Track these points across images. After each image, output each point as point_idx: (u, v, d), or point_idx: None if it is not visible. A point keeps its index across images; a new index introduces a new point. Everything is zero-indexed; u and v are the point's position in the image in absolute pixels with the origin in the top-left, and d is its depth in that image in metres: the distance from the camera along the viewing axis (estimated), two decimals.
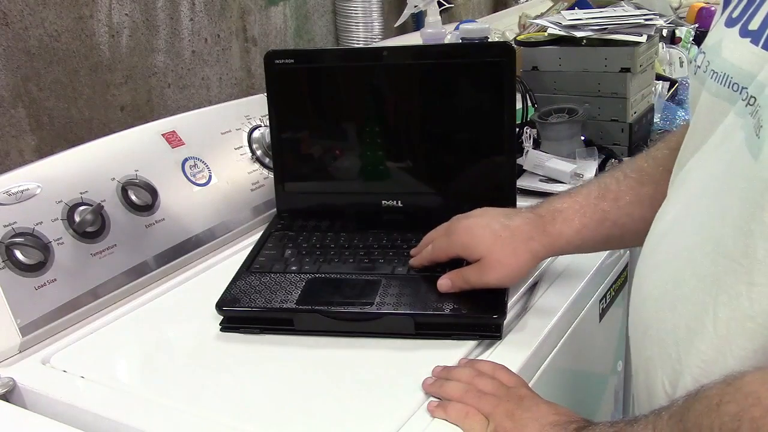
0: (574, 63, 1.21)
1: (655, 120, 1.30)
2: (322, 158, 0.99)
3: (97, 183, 0.86)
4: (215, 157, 1.00)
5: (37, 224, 0.79)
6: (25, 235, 0.77)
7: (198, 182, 0.96)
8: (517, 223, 0.73)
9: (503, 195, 0.91)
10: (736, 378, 0.44)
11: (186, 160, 0.96)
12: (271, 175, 1.02)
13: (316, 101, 1.01)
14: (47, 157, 0.87)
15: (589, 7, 1.49)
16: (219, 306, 0.77)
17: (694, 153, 0.59)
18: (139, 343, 0.79)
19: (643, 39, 1.17)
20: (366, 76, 0.98)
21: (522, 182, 1.07)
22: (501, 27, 1.80)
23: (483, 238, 0.73)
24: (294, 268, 0.82)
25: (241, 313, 0.77)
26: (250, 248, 0.89)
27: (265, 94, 0.98)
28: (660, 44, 1.50)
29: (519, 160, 1.10)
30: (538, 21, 1.40)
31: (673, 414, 0.48)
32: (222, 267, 0.91)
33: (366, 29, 1.96)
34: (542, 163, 1.10)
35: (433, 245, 0.78)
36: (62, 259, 0.80)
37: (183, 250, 0.92)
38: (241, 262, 0.85)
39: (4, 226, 0.77)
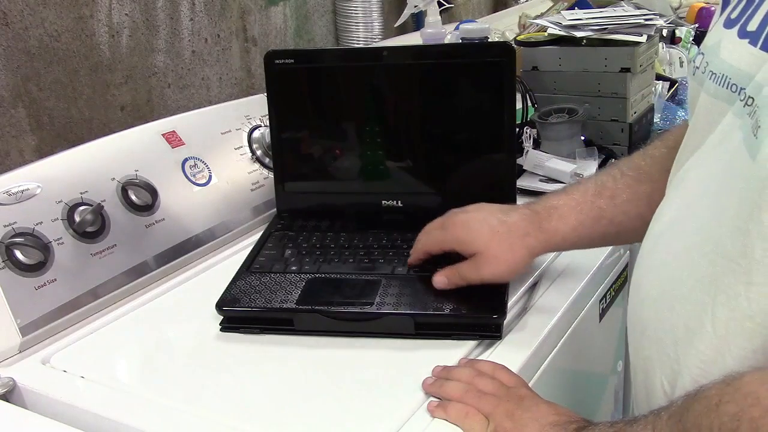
0: (574, 63, 1.21)
1: (655, 120, 1.30)
2: (322, 158, 0.99)
3: (97, 183, 0.86)
4: (215, 157, 1.00)
5: (37, 224, 0.79)
6: (25, 235, 0.77)
7: (198, 182, 0.96)
8: (514, 218, 0.73)
9: (503, 195, 0.91)
10: (735, 378, 0.44)
11: (186, 160, 0.96)
12: (271, 175, 1.02)
13: (316, 101, 1.01)
14: (47, 157, 0.87)
15: (589, 7, 1.49)
16: (219, 306, 0.77)
17: (692, 153, 0.59)
18: (139, 343, 0.79)
19: (643, 39, 1.17)
20: (366, 76, 0.98)
21: (522, 182, 1.07)
22: (501, 27, 1.80)
23: (479, 233, 0.73)
24: (294, 268, 0.82)
25: (241, 313, 0.77)
26: (250, 248, 0.89)
27: (265, 94, 0.98)
28: (660, 44, 1.50)
29: (519, 160, 1.10)
30: (538, 21, 1.40)
31: (672, 414, 0.48)
32: (222, 267, 0.91)
33: (366, 29, 1.96)
34: (542, 163, 1.10)
35: (427, 236, 0.77)
36: (62, 259, 0.80)
37: (183, 250, 0.92)
38: (241, 262, 0.85)
39: (4, 226, 0.77)
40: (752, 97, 0.49)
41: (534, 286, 0.82)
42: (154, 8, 1.50)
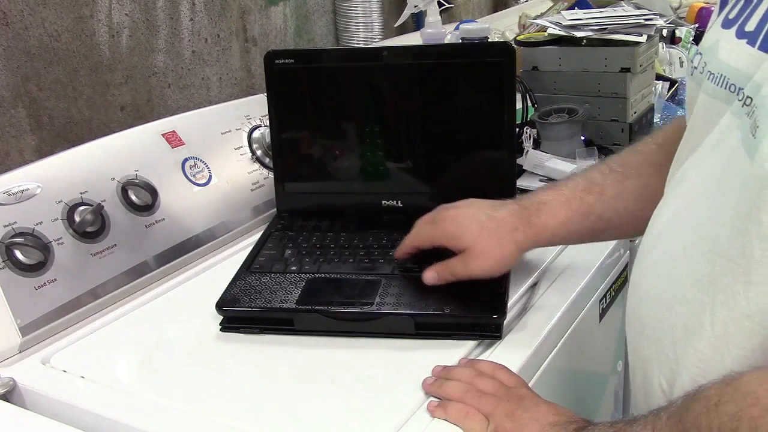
0: (574, 63, 1.21)
1: (655, 120, 1.30)
2: (322, 158, 0.99)
3: (97, 183, 0.86)
4: (215, 157, 1.00)
5: (37, 224, 0.79)
6: (25, 235, 0.77)
7: (198, 182, 0.96)
8: (503, 214, 0.73)
9: (503, 195, 0.90)
10: (734, 378, 0.44)
11: (186, 160, 0.96)
12: (271, 175, 1.02)
13: (316, 101, 1.01)
14: (47, 157, 0.87)
15: (589, 7, 1.49)
16: (219, 306, 0.77)
17: (691, 153, 0.59)
18: (139, 343, 0.79)
19: (643, 39, 1.17)
20: (366, 76, 0.98)
21: (522, 182, 1.07)
22: (501, 27, 1.80)
23: (469, 228, 0.73)
24: (294, 268, 0.82)
25: (241, 313, 0.77)
26: (250, 248, 0.89)
27: (265, 94, 0.98)
28: (660, 44, 1.50)
29: (519, 160, 1.10)
30: (538, 21, 1.40)
31: (671, 414, 0.48)
32: (222, 267, 0.91)
33: (366, 29, 1.96)
34: (542, 163, 1.10)
35: (417, 231, 0.78)
36: (62, 259, 0.80)
37: (183, 250, 0.92)
38: (241, 262, 0.85)
39: (4, 226, 0.77)
40: (750, 97, 0.49)
41: (534, 286, 0.82)
42: (154, 8, 1.50)
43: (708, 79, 0.56)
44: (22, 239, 0.77)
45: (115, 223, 0.85)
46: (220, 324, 0.77)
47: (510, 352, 0.70)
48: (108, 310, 0.83)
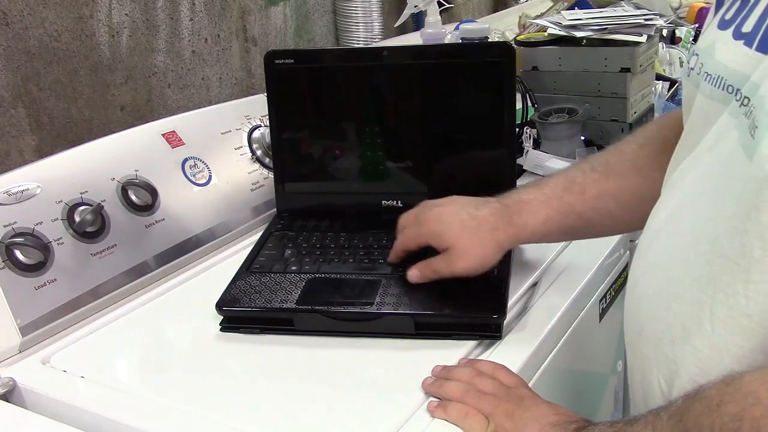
0: (574, 63, 1.21)
1: None
2: (322, 158, 0.99)
3: (97, 183, 0.86)
4: (215, 157, 1.00)
5: (37, 224, 0.79)
6: (25, 235, 0.77)
7: (198, 182, 0.96)
8: (484, 213, 0.74)
9: None
10: (735, 378, 0.44)
11: (186, 160, 0.96)
12: (271, 175, 1.02)
13: (316, 101, 1.01)
14: (47, 157, 0.87)
15: (589, 7, 1.49)
16: (219, 306, 0.77)
17: (688, 154, 0.59)
18: (139, 343, 0.79)
19: (643, 39, 1.17)
20: (366, 76, 0.98)
21: (522, 182, 1.06)
22: (501, 27, 1.80)
23: (451, 227, 0.73)
24: (294, 268, 0.82)
25: (241, 313, 0.77)
26: (250, 248, 0.89)
27: (265, 94, 0.98)
28: (660, 44, 1.50)
29: (519, 160, 1.10)
30: (538, 21, 1.40)
31: (672, 414, 0.48)
32: (222, 267, 0.91)
33: (366, 29, 1.96)
34: (542, 163, 1.10)
35: (403, 234, 0.78)
36: (62, 259, 0.80)
37: (183, 250, 0.92)
38: (241, 262, 0.85)
39: (4, 226, 0.77)
40: (748, 97, 0.50)
41: (534, 286, 0.82)
42: (154, 8, 1.50)
43: (705, 80, 0.56)
44: (22, 239, 0.77)
45: (115, 223, 0.85)
46: (220, 324, 0.77)
47: (510, 352, 0.70)
48: (108, 310, 0.83)
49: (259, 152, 1.05)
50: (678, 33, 1.72)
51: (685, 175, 0.59)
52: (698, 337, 0.51)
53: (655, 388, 0.56)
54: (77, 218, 0.82)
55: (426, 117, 0.97)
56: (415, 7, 1.53)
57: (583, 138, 1.16)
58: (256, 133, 1.05)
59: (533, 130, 1.15)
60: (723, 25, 0.56)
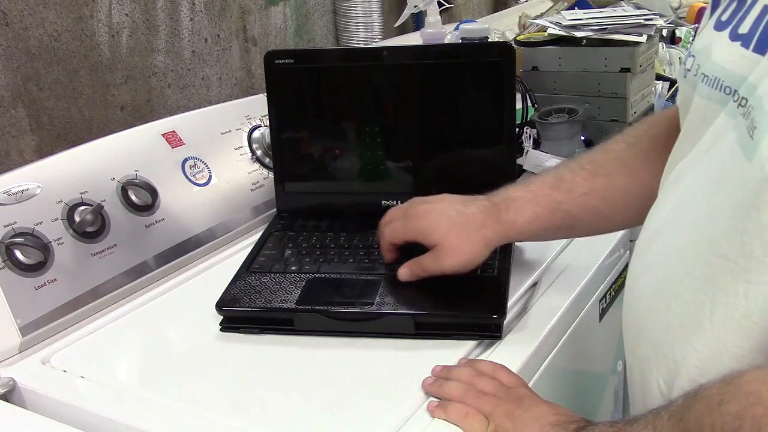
0: (574, 63, 1.21)
1: None
2: (322, 158, 0.99)
3: (97, 183, 0.86)
4: (215, 157, 1.00)
5: (37, 224, 0.79)
6: (25, 235, 0.77)
7: (198, 182, 0.96)
8: (472, 210, 0.74)
9: None
10: (736, 377, 0.44)
11: (186, 160, 0.96)
12: (271, 175, 1.02)
13: (316, 101, 1.01)
14: (47, 157, 0.87)
15: (589, 7, 1.49)
16: (219, 306, 0.77)
17: (685, 155, 0.59)
18: (139, 343, 0.79)
19: (643, 39, 1.17)
20: (366, 76, 0.98)
21: None
22: (501, 27, 1.80)
23: (439, 224, 0.74)
24: (294, 268, 0.82)
25: (241, 313, 0.77)
26: (250, 248, 0.89)
27: (265, 94, 0.98)
28: (660, 44, 1.50)
29: (519, 160, 1.10)
30: (538, 21, 1.40)
31: (673, 414, 0.48)
32: (222, 267, 0.91)
33: (366, 29, 1.96)
34: (542, 163, 1.10)
35: (389, 228, 0.78)
36: (62, 259, 0.80)
37: (183, 250, 0.92)
38: (241, 262, 0.85)
39: (4, 226, 0.77)
40: (745, 98, 0.50)
41: (534, 286, 0.82)
42: (154, 8, 1.50)
43: (702, 81, 0.56)
44: (22, 239, 0.77)
45: (115, 223, 0.85)
46: (220, 324, 0.77)
47: (510, 352, 0.70)
48: (108, 310, 0.83)
49: (259, 152, 1.05)
50: (678, 33, 1.72)
51: (682, 176, 0.59)
52: (698, 337, 0.51)
53: (654, 388, 0.56)
54: (77, 218, 0.82)
55: (426, 117, 0.97)
56: (415, 7, 1.53)
57: (583, 138, 1.16)
58: (256, 133, 1.05)
59: (533, 130, 1.15)
60: (719, 26, 0.56)
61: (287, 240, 0.89)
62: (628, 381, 0.64)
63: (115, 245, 0.85)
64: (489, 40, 1.32)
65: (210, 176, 0.98)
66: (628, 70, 1.17)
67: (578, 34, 1.20)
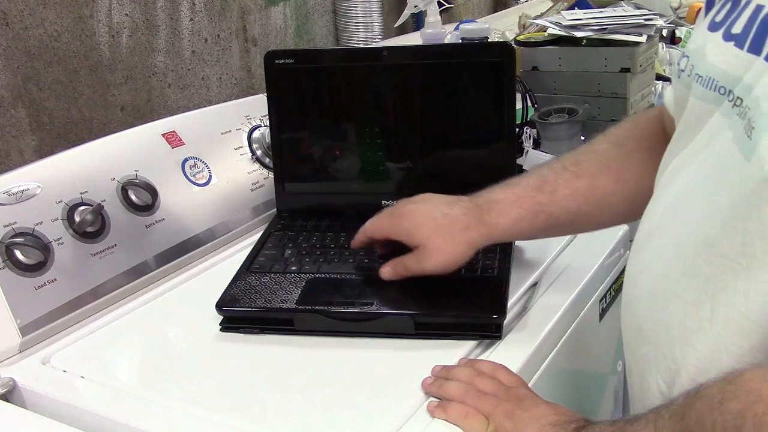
0: (574, 63, 1.21)
1: None
2: (322, 158, 0.99)
3: (97, 183, 0.86)
4: (215, 157, 1.00)
5: (37, 224, 0.79)
6: (25, 235, 0.77)
7: (198, 182, 0.96)
8: (456, 212, 0.74)
9: None
10: (737, 376, 0.44)
11: (186, 160, 0.96)
12: (271, 175, 1.02)
13: (316, 101, 1.01)
14: (47, 157, 0.87)
15: (589, 7, 1.49)
16: (219, 306, 0.77)
17: (678, 154, 0.59)
18: (139, 343, 0.79)
19: (643, 39, 1.17)
20: (366, 76, 0.98)
21: None
22: (501, 27, 1.80)
23: (423, 224, 0.74)
24: (294, 268, 0.82)
25: (241, 313, 0.77)
26: (250, 248, 0.89)
27: (265, 94, 0.98)
28: (660, 44, 1.50)
29: (519, 160, 1.10)
30: (538, 21, 1.40)
31: (674, 413, 0.48)
32: (222, 267, 0.91)
33: (366, 29, 1.96)
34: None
35: (372, 222, 0.79)
36: (62, 259, 0.80)
37: (183, 250, 0.92)
38: (241, 262, 0.85)
39: (4, 226, 0.77)
40: (741, 98, 0.50)
41: (534, 286, 0.82)
42: (154, 8, 1.50)
43: (696, 81, 0.56)
44: (22, 239, 0.77)
45: (115, 223, 0.85)
46: (220, 324, 0.77)
47: (510, 352, 0.70)
48: (108, 310, 0.83)
49: (259, 152, 1.05)
50: (678, 33, 1.72)
51: (677, 175, 0.59)
52: (698, 337, 0.51)
53: (654, 388, 0.56)
54: (77, 218, 0.82)
55: (426, 117, 0.97)
56: (415, 7, 1.53)
57: (583, 138, 1.16)
58: (256, 133, 1.05)
59: (533, 130, 1.15)
60: (713, 27, 0.56)
61: (287, 240, 0.89)
62: (628, 381, 0.64)
63: (115, 245, 0.85)
64: (489, 40, 1.32)
65: (210, 176, 0.98)
66: (628, 70, 1.17)
67: (578, 34, 1.20)
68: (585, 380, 0.92)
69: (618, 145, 0.76)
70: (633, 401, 0.63)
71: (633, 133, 0.76)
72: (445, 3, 1.74)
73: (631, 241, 0.93)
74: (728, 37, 0.54)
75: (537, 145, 1.16)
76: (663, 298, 0.55)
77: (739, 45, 0.52)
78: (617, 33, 1.19)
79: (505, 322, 0.73)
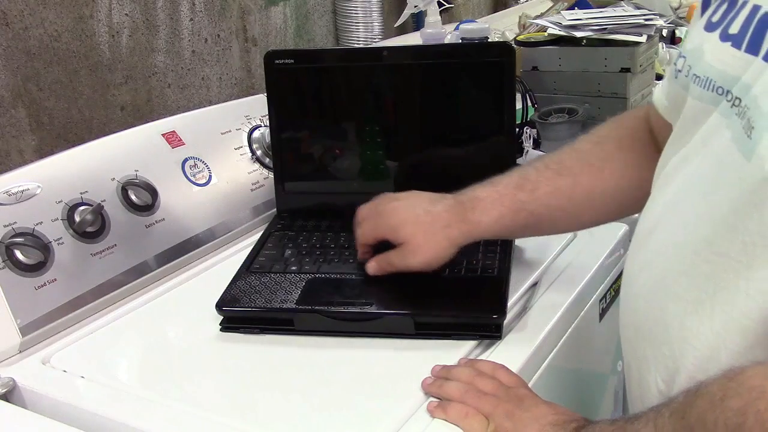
0: (574, 63, 1.21)
1: None
2: (322, 158, 0.99)
3: (97, 183, 0.86)
4: (215, 157, 1.00)
5: (37, 224, 0.79)
6: (25, 235, 0.77)
7: (198, 182, 0.96)
8: (439, 209, 0.75)
9: None
10: (738, 373, 0.44)
11: (186, 160, 0.96)
12: (271, 175, 1.02)
13: (316, 101, 1.01)
14: (47, 157, 0.87)
15: (589, 7, 1.49)
16: (219, 306, 0.77)
17: (676, 153, 0.59)
18: (139, 342, 0.79)
19: (643, 39, 1.17)
20: (366, 76, 0.98)
21: None
22: (501, 27, 1.80)
23: (407, 221, 0.75)
24: (294, 268, 0.82)
25: (241, 313, 0.77)
26: (250, 248, 0.89)
27: (265, 94, 0.98)
28: (660, 44, 1.50)
29: (519, 161, 1.10)
30: (538, 21, 1.40)
31: (674, 411, 0.48)
32: (222, 267, 0.91)
33: (366, 29, 1.96)
34: None
35: (361, 228, 0.79)
36: (62, 259, 0.80)
37: (183, 250, 0.92)
38: (241, 262, 0.85)
39: (4, 226, 0.77)
40: (739, 98, 0.50)
41: (534, 286, 0.82)
42: (154, 8, 1.50)
43: (694, 82, 0.56)
44: (22, 239, 0.77)
45: (115, 223, 0.85)
46: (220, 324, 0.77)
47: (510, 352, 0.70)
48: (108, 310, 0.83)
49: (259, 152, 1.05)
50: (678, 33, 1.72)
51: (675, 175, 0.59)
52: (697, 337, 0.51)
53: (653, 387, 0.56)
54: (77, 218, 0.82)
55: (426, 117, 0.97)
56: (415, 7, 1.53)
57: None
58: (256, 133, 1.05)
59: (533, 130, 1.15)
60: (710, 27, 0.56)
61: (287, 240, 0.89)
62: (626, 380, 0.64)
63: (115, 245, 0.85)
64: (489, 40, 1.32)
65: (210, 176, 0.98)
66: (628, 70, 1.17)
67: (578, 34, 1.20)
68: (585, 380, 0.92)
69: (599, 144, 0.76)
70: (632, 400, 0.63)
71: (615, 132, 0.77)
72: (445, 3, 1.74)
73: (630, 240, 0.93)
74: (725, 37, 0.54)
75: (537, 145, 1.16)
76: (662, 297, 0.55)
77: (737, 45, 0.52)
78: (617, 33, 1.19)
79: (505, 322, 0.73)
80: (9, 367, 0.73)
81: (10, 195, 0.79)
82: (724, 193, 0.50)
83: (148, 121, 0.99)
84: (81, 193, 0.84)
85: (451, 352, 0.70)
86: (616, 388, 1.00)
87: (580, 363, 0.87)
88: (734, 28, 0.53)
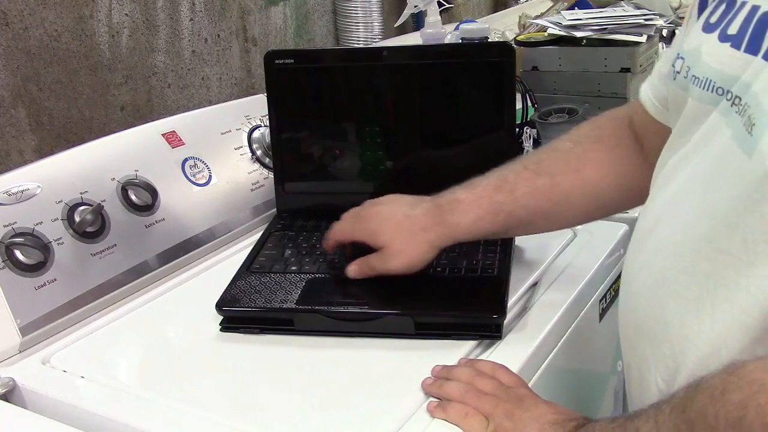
0: (574, 63, 1.21)
1: None
2: (322, 158, 0.99)
3: (97, 183, 0.86)
4: (215, 157, 1.00)
5: (37, 224, 0.79)
6: (25, 235, 0.77)
7: (198, 182, 0.96)
8: (417, 213, 0.75)
9: None
10: (738, 367, 0.44)
11: (186, 160, 0.96)
12: (271, 175, 1.02)
13: (316, 101, 1.01)
14: (47, 157, 0.87)
15: (589, 7, 1.49)
16: (219, 306, 0.77)
17: (676, 153, 0.59)
18: (139, 342, 0.79)
19: (643, 39, 1.17)
20: (366, 76, 0.98)
21: None
22: (501, 27, 1.80)
23: (386, 226, 0.75)
24: (294, 268, 0.82)
25: (241, 313, 0.77)
26: (250, 248, 0.89)
27: (265, 94, 0.98)
28: (660, 44, 1.50)
29: None
30: (538, 21, 1.40)
31: (675, 406, 0.47)
32: (222, 267, 0.91)
33: (366, 29, 1.96)
34: None
35: (338, 225, 0.80)
36: (62, 259, 0.80)
37: (183, 250, 0.92)
38: (241, 262, 0.85)
39: (4, 226, 0.77)
40: (739, 96, 0.50)
41: (534, 286, 0.82)
42: (154, 8, 1.50)
43: (693, 84, 0.56)
44: (22, 239, 0.77)
45: (115, 223, 0.85)
46: (220, 324, 0.77)
47: (510, 352, 0.70)
48: (108, 310, 0.83)
49: (259, 152, 1.05)
50: (678, 33, 1.72)
51: (674, 174, 0.59)
52: (698, 335, 0.51)
53: (653, 386, 0.56)
54: (77, 218, 0.82)
55: (426, 117, 0.97)
56: (415, 7, 1.53)
57: None
58: (256, 133, 1.05)
59: (533, 130, 1.15)
60: (708, 28, 0.56)
61: (287, 240, 0.89)
62: (626, 379, 0.64)
63: (115, 245, 0.85)
64: (489, 40, 1.32)
65: (210, 176, 0.98)
66: (628, 70, 1.17)
67: (578, 34, 1.20)
68: (585, 380, 0.92)
69: (578, 143, 0.76)
70: (632, 400, 0.63)
71: (594, 132, 0.77)
72: (445, 3, 1.74)
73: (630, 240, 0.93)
74: (724, 38, 0.54)
75: (537, 145, 1.16)
76: (662, 295, 0.55)
77: (736, 46, 0.52)
78: (617, 33, 1.19)
79: (505, 322, 0.73)
80: (9, 367, 0.73)
81: (10, 195, 0.79)
82: (725, 191, 0.50)
83: (148, 121, 0.99)
84: (81, 193, 0.84)
85: (451, 352, 0.70)
86: (616, 388, 1.00)
87: (580, 363, 0.87)
88: (733, 29, 0.53)
